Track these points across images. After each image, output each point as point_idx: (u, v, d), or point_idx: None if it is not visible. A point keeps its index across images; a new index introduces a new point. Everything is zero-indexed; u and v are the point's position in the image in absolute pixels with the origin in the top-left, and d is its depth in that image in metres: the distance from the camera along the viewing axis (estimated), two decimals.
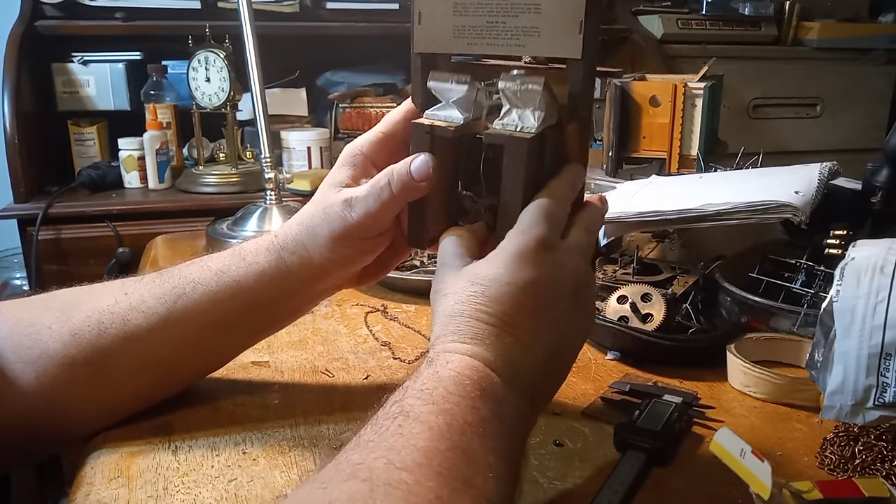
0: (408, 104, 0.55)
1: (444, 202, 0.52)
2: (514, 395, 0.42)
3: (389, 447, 0.36)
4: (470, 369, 0.41)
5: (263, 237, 0.56)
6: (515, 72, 0.50)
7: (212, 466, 0.50)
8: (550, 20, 0.48)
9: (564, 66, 0.50)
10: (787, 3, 2.09)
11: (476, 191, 0.52)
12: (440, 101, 0.52)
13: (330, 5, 1.83)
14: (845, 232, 0.72)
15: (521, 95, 0.48)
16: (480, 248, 0.49)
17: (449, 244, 0.49)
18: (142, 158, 1.67)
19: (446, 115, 0.51)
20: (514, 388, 0.42)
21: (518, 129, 0.48)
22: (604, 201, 0.53)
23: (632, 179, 1.06)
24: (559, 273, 0.46)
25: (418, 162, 0.50)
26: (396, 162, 0.51)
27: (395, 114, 0.55)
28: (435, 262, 0.51)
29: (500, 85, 0.49)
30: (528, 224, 0.46)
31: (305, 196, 1.50)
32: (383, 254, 0.56)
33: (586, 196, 0.53)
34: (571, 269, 0.47)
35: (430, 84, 0.51)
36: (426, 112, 0.52)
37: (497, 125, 0.49)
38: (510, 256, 0.45)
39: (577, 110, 0.50)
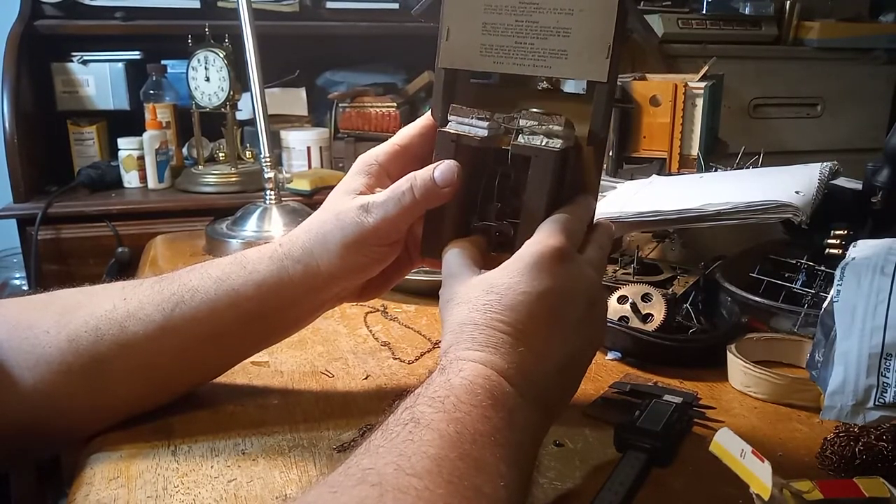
0: (424, 119, 0.55)
1: (460, 213, 0.52)
2: (527, 405, 0.42)
3: (400, 453, 0.36)
4: (482, 378, 0.41)
5: (267, 245, 0.55)
6: (535, 110, 0.50)
7: (211, 467, 0.50)
8: (579, 44, 0.48)
9: (581, 93, 0.50)
10: (788, 2, 2.08)
11: (489, 205, 0.52)
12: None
13: (330, 5, 1.83)
14: (846, 232, 0.72)
15: (542, 133, 0.49)
16: (483, 260, 0.49)
17: (456, 254, 0.49)
18: (141, 158, 1.67)
19: (470, 128, 0.51)
20: (527, 397, 0.42)
21: (544, 144, 0.49)
22: (610, 225, 0.54)
23: (632, 179, 1.06)
24: (575, 284, 0.46)
25: (443, 167, 0.50)
26: None
27: (411, 128, 0.55)
28: None
29: (522, 123, 0.50)
30: (545, 235, 0.46)
31: (305, 196, 1.50)
32: (387, 268, 0.55)
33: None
34: (587, 281, 0.47)
35: (451, 118, 0.51)
36: (451, 122, 0.51)
37: (522, 139, 0.50)
38: (526, 266, 0.44)
39: (597, 133, 0.50)
